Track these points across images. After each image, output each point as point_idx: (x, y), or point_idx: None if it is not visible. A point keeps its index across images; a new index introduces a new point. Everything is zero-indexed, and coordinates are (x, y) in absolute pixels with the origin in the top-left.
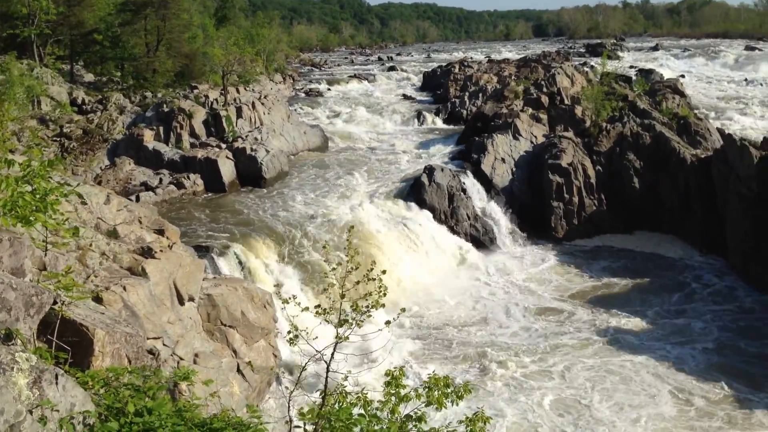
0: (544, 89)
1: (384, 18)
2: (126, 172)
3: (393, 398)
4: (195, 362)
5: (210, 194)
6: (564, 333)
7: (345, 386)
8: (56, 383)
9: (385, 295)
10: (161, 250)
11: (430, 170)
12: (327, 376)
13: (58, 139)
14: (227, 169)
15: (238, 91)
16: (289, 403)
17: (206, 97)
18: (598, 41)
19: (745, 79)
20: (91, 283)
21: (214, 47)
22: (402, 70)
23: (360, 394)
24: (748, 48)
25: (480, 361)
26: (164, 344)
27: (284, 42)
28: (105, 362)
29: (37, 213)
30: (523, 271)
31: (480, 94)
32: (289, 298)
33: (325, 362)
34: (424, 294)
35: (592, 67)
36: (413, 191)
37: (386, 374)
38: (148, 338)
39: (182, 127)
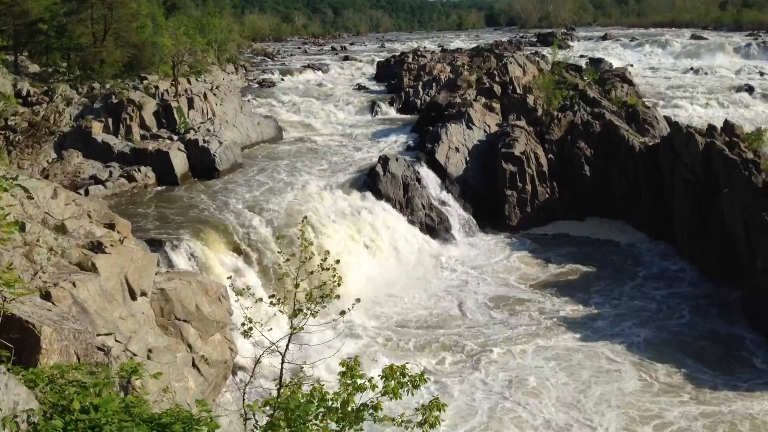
0: (497, 78)
1: (337, 7)
2: (74, 166)
3: (349, 388)
4: (149, 358)
5: (162, 187)
6: (519, 319)
7: (300, 377)
8: None
9: (339, 284)
10: (112, 245)
11: (384, 160)
12: (282, 368)
13: (3, 132)
14: (179, 162)
15: (189, 81)
16: (243, 396)
17: (156, 88)
18: (549, 31)
19: (691, 68)
20: (39, 279)
21: (164, 37)
22: (356, 59)
23: (315, 385)
24: (694, 37)
25: (436, 350)
26: (116, 340)
27: (236, 32)
28: (53, 359)
29: None
30: (478, 260)
31: (433, 84)
32: (243, 290)
33: (281, 354)
34: (380, 283)
35: (543, 56)
36: (368, 181)
37: (342, 364)
38: (99, 334)
39: (132, 118)
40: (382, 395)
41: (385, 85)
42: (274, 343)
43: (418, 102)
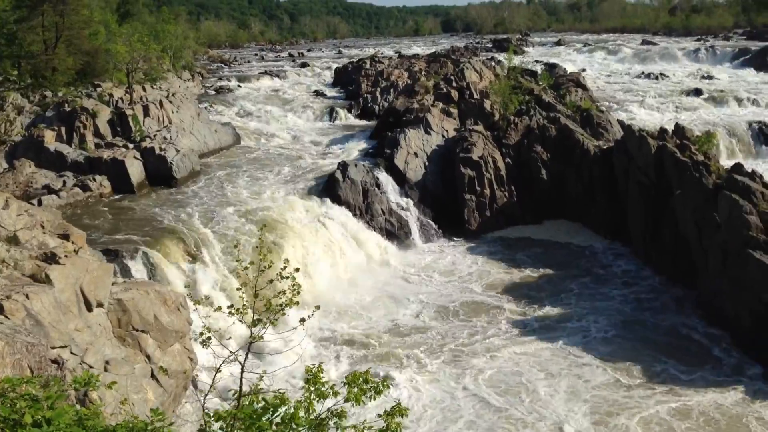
0: (454, 84)
1: (294, 14)
2: (26, 175)
3: (312, 396)
4: (106, 370)
5: (118, 196)
6: (483, 323)
7: (259, 386)
8: None
9: (299, 293)
10: (66, 256)
11: (344, 166)
12: (241, 377)
13: None
14: (135, 170)
15: (144, 89)
16: (203, 407)
17: (111, 95)
18: (505, 37)
19: (643, 73)
20: None
21: (117, 44)
22: (313, 66)
23: (277, 394)
24: (644, 42)
25: (400, 356)
26: (72, 353)
27: (191, 38)
28: (5, 373)
29: None
30: (439, 264)
31: (391, 90)
32: (201, 300)
33: (240, 363)
34: (341, 290)
35: (499, 62)
36: (327, 188)
37: (306, 371)
38: (53, 347)
39: (86, 127)
40: (345, 402)
41: (343, 92)
42: (233, 353)
43: (377, 108)
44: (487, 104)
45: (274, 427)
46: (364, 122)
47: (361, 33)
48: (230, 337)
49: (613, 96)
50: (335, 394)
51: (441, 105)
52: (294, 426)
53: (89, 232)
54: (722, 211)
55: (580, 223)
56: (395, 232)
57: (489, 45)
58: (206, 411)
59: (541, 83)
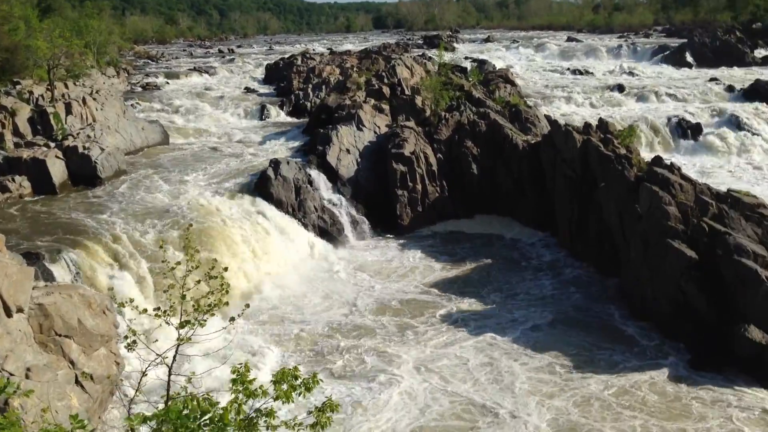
0: (386, 80)
1: (223, 9)
2: None
3: (240, 396)
4: (27, 377)
5: (39, 197)
6: (420, 318)
7: (188, 388)
8: None
9: (227, 292)
10: None
11: (275, 163)
12: (169, 380)
13: None
14: (57, 170)
15: (66, 86)
16: (129, 412)
17: (31, 93)
18: (435, 33)
19: (568, 69)
20: None
21: (38, 40)
22: (244, 62)
23: (206, 395)
24: (569, 39)
25: (335, 353)
26: None
27: (116, 34)
28: None
29: None
30: (371, 261)
31: (323, 86)
32: (125, 302)
33: (167, 366)
34: (273, 288)
35: (430, 58)
36: (259, 185)
37: (232, 371)
38: None
39: (4, 126)
40: (275, 400)
41: (274, 88)
42: (160, 356)
43: (308, 104)
44: (419, 100)
45: (203, 428)
46: (295, 119)
47: (292, 29)
48: (157, 340)
49: (540, 91)
50: (264, 393)
51: (373, 101)
52: (222, 426)
53: (8, 235)
54: (643, 203)
55: (511, 216)
56: (328, 229)
57: (420, 41)
58: (129, 416)
59: (471, 79)
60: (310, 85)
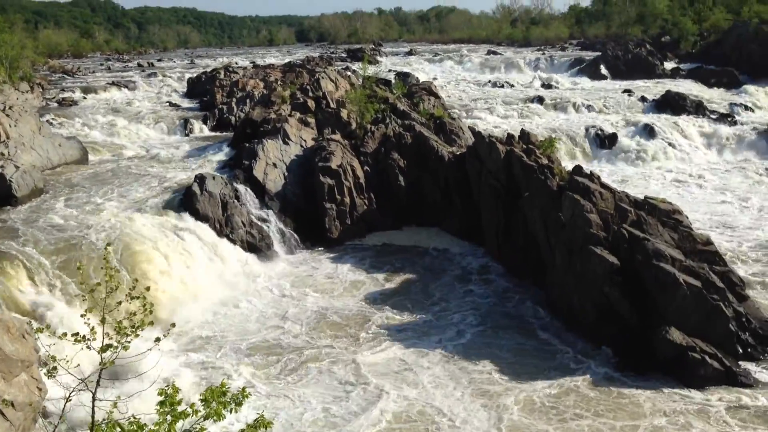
0: (310, 93)
1: (141, 23)
2: None
3: (168, 417)
4: None
5: None
6: (349, 331)
7: (113, 413)
8: None
9: (151, 312)
10: None
11: (201, 179)
12: (93, 405)
13: None
14: None
15: None
16: None
17: None
18: (358, 46)
19: (489, 81)
20: None
21: None
22: (165, 76)
23: (132, 419)
24: (489, 52)
25: (261, 368)
26: None
27: (30, 48)
28: None
29: None
30: (301, 275)
31: (247, 100)
32: (43, 328)
33: (91, 391)
34: (199, 306)
35: (354, 71)
36: (185, 201)
37: (159, 393)
38: None
39: None
40: (205, 419)
41: (197, 102)
42: (82, 380)
43: (233, 119)
44: (344, 113)
45: None
46: (220, 133)
47: (213, 42)
48: (78, 365)
49: (463, 104)
50: (195, 412)
51: (298, 115)
52: None
53: None
54: (566, 211)
55: (439, 227)
56: (257, 244)
57: (343, 55)
58: None
59: (395, 92)
60: (234, 99)
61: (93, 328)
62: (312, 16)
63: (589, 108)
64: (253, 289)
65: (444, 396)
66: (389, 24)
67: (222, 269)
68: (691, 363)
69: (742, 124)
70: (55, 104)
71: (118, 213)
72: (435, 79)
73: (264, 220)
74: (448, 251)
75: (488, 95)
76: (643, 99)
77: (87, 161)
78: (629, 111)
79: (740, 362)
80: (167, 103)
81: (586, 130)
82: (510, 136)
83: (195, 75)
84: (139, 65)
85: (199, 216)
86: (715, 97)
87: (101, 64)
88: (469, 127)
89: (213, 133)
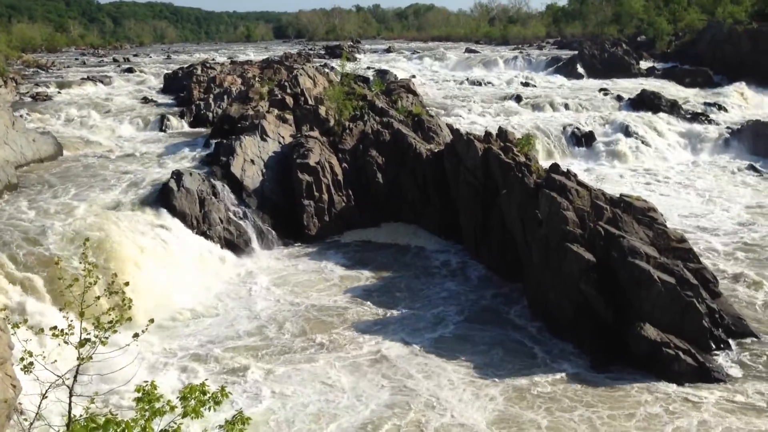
0: (288, 90)
1: (117, 17)
2: None
3: (146, 414)
4: None
5: None
6: (329, 327)
7: (90, 409)
8: None
9: (130, 307)
10: None
11: (178, 175)
12: (70, 401)
13: None
14: None
15: None
16: None
17: None
18: (337, 43)
19: (467, 79)
20: None
21: None
22: (141, 71)
23: (108, 416)
24: (467, 51)
25: (241, 364)
26: None
27: (3, 42)
28: None
29: None
30: (279, 272)
31: (225, 96)
32: (19, 323)
33: (68, 387)
34: (177, 302)
35: (332, 68)
36: (162, 198)
37: (137, 390)
38: None
39: None
40: (183, 417)
41: (174, 98)
42: (60, 377)
43: (210, 115)
44: (322, 110)
45: None
46: (197, 129)
47: (190, 38)
48: (55, 361)
49: (441, 101)
50: (172, 409)
51: (276, 111)
52: None
53: None
54: (543, 208)
55: (417, 224)
56: (234, 241)
57: (322, 51)
58: None
59: (373, 89)
60: (212, 95)
61: (71, 323)
62: (290, 12)
63: (566, 106)
64: (228, 285)
65: (436, 386)
66: (368, 21)
67: (198, 266)
68: (665, 358)
69: (716, 123)
70: (30, 99)
71: (94, 209)
72: (413, 76)
73: (242, 217)
74: (426, 248)
75: (466, 93)
76: (619, 98)
77: (62, 157)
78: (605, 110)
79: (713, 357)
80: (143, 99)
81: (563, 128)
82: (488, 134)
83: (171, 71)
84: (115, 60)
85: (175, 212)
86: (690, 97)
87: (76, 59)
88: (447, 124)
89: (190, 129)
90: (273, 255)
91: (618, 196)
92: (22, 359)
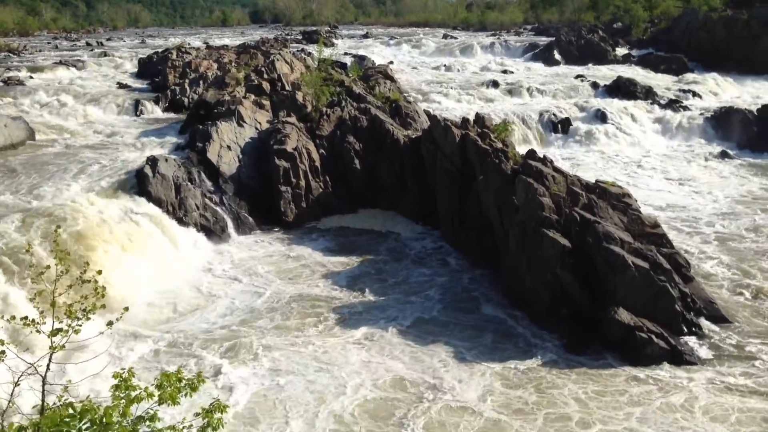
0: (265, 75)
1: (90, 1)
2: None
3: (122, 401)
4: None
5: None
6: (304, 313)
7: (65, 397)
8: None
9: (103, 296)
10: None
11: (153, 161)
12: (43, 389)
13: None
14: None
15: None
16: (2, 426)
17: None
18: (314, 29)
19: (444, 65)
20: None
21: None
22: (115, 56)
23: (84, 403)
24: (445, 36)
25: (221, 354)
26: None
27: None
28: None
29: None
30: (256, 257)
31: (201, 81)
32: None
33: (41, 376)
34: (152, 290)
35: (309, 53)
36: (137, 184)
37: (114, 377)
38: None
39: None
40: (159, 404)
41: (148, 83)
42: (32, 365)
43: (186, 100)
44: (300, 96)
45: None
46: (173, 115)
47: (165, 22)
48: (27, 349)
49: (418, 87)
50: (149, 396)
51: (253, 97)
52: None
53: None
54: (519, 194)
55: (394, 210)
56: (211, 227)
57: (299, 37)
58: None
59: (351, 75)
60: (187, 80)
61: (42, 312)
62: None
63: (543, 93)
64: (204, 271)
65: (428, 367)
66: (345, 6)
67: (174, 252)
68: (639, 342)
69: (690, 110)
70: (1, 83)
71: (68, 195)
72: (391, 62)
73: (218, 203)
74: (403, 235)
75: (444, 79)
76: (595, 85)
77: (34, 142)
78: (582, 96)
79: (685, 341)
80: (117, 84)
81: (540, 114)
82: (465, 120)
83: (146, 55)
84: (88, 44)
85: (151, 198)
86: (665, 84)
87: (48, 43)
88: (424, 111)
89: (165, 115)
90: (249, 241)
91: (594, 182)
92: None
